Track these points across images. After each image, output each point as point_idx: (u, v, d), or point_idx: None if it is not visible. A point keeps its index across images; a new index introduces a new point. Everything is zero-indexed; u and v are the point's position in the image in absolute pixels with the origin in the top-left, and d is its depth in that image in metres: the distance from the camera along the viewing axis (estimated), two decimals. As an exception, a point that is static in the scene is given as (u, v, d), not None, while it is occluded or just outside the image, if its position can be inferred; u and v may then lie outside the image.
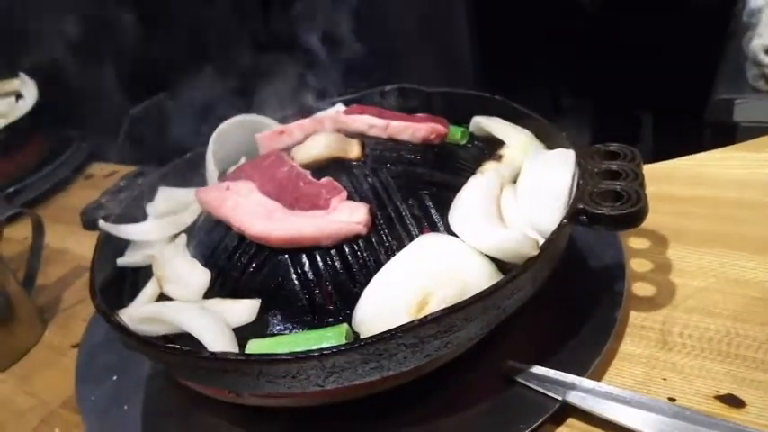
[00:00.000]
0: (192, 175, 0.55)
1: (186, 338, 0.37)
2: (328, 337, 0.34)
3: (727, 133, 1.10)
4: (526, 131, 0.49)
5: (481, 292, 0.33)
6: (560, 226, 0.37)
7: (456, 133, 0.51)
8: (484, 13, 1.33)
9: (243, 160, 0.55)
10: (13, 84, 0.89)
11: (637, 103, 1.41)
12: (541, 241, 0.37)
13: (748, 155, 0.58)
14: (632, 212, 0.37)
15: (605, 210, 0.38)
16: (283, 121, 0.58)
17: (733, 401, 0.36)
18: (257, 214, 0.41)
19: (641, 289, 0.45)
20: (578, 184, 0.40)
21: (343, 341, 0.34)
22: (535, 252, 0.36)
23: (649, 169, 0.58)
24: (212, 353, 0.34)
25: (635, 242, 0.50)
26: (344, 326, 0.36)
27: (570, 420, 0.37)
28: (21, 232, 0.66)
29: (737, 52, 1.12)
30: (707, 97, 1.12)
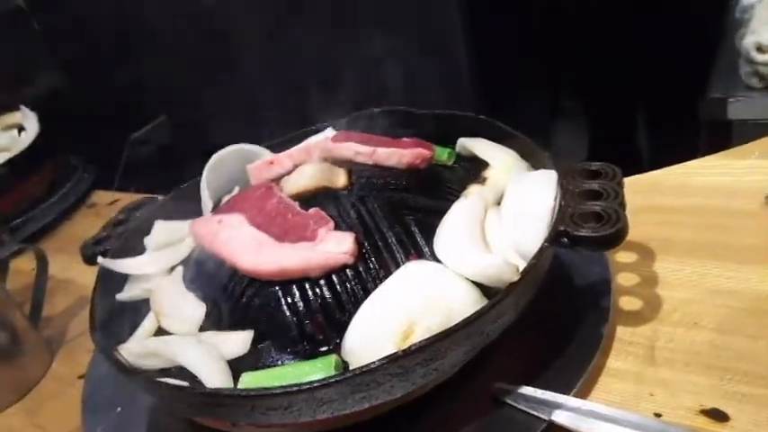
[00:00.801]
0: (188, 205, 0.56)
1: (185, 371, 0.39)
2: (318, 369, 0.36)
3: (721, 132, 1.11)
4: (511, 152, 0.50)
5: (464, 320, 0.34)
6: (541, 249, 0.38)
7: (443, 154, 0.52)
8: (478, 14, 1.34)
9: (236, 189, 0.56)
10: (15, 117, 0.91)
11: (632, 102, 1.41)
12: (524, 265, 0.38)
13: (734, 162, 0.58)
14: (611, 233, 0.38)
15: (586, 231, 0.38)
16: (277, 146, 0.59)
17: (717, 415, 0.37)
18: (247, 247, 0.42)
19: (628, 303, 0.46)
20: (560, 205, 0.41)
21: (333, 372, 0.35)
22: (516, 278, 0.37)
23: (636, 180, 0.59)
24: (206, 389, 0.35)
25: (622, 256, 0.50)
26: (333, 357, 0.37)
27: (558, 440, 0.37)
28: (27, 264, 0.67)
29: (731, 50, 1.12)
30: (701, 96, 1.12)
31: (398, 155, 0.48)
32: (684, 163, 0.61)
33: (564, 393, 0.38)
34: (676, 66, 1.20)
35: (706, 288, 0.46)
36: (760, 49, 1.05)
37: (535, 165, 0.49)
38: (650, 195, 0.57)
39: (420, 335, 0.35)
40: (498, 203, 0.46)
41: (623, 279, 0.48)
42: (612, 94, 1.43)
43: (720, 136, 1.10)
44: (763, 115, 1.05)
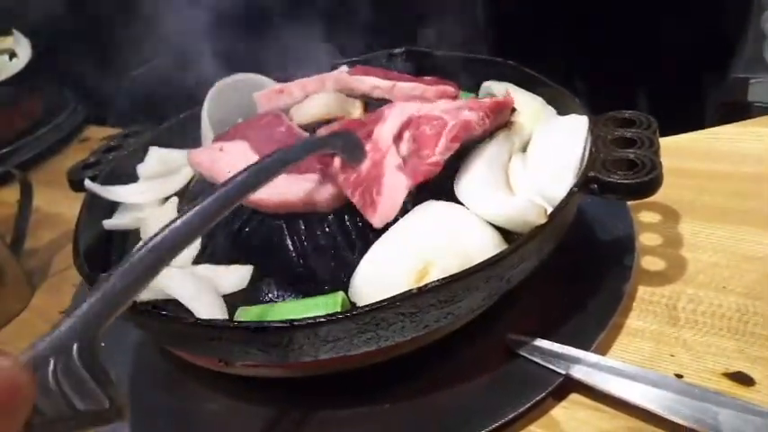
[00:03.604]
0: (186, 136, 0.52)
1: (175, 305, 0.36)
2: (323, 305, 0.33)
3: (739, 113, 1.07)
4: (538, 98, 0.47)
5: (484, 262, 0.32)
6: (570, 194, 0.35)
7: (465, 98, 0.49)
8: None
9: (240, 121, 0.53)
10: (7, 41, 0.86)
11: (650, 81, 1.37)
12: (550, 210, 0.36)
13: (761, 130, 0.56)
14: (645, 181, 0.36)
15: (617, 178, 0.36)
16: (285, 82, 0.55)
17: (742, 379, 0.35)
18: (251, 176, 0.39)
19: (651, 263, 0.44)
20: (590, 151, 0.38)
21: (339, 310, 0.33)
22: (542, 220, 0.34)
23: (662, 142, 0.56)
24: (198, 319, 0.32)
25: (645, 216, 0.48)
26: (340, 294, 0.34)
27: (573, 396, 0.35)
28: (12, 196, 0.64)
29: (756, 31, 1.08)
30: (722, 76, 1.09)
31: (422, 90, 0.44)
32: (710, 129, 0.58)
33: (582, 349, 0.36)
34: (698, 46, 1.16)
35: (735, 252, 0.43)
36: (784, 29, 1.02)
37: (563, 112, 0.45)
38: (675, 158, 0.53)
39: (436, 275, 0.32)
40: (524, 150, 0.43)
41: (646, 239, 0.46)
42: (629, 73, 1.39)
43: (737, 118, 1.07)
44: (784, 99, 1.02)
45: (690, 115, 1.18)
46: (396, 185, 0.35)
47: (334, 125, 0.38)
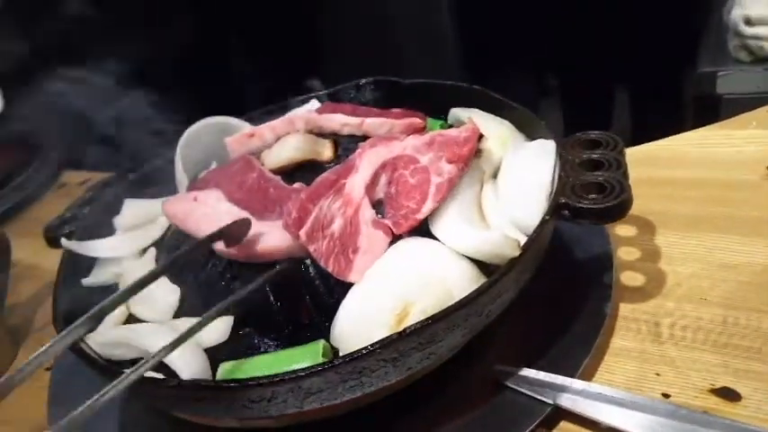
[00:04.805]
0: (162, 182, 0.52)
1: (159, 362, 0.35)
2: (304, 356, 0.33)
3: (709, 106, 1.09)
4: (506, 122, 0.47)
5: (462, 300, 0.32)
6: (542, 222, 0.36)
7: (434, 127, 0.49)
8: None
9: (214, 165, 0.52)
10: (-23, 92, 0.85)
11: (618, 79, 1.39)
12: (523, 239, 0.36)
13: (732, 132, 0.56)
14: (615, 205, 0.36)
15: (588, 203, 0.36)
16: (255, 119, 0.55)
17: (729, 395, 0.35)
18: (226, 226, 0.39)
19: (630, 279, 0.44)
20: (559, 176, 0.39)
21: (320, 359, 0.33)
22: (516, 253, 0.34)
23: (632, 152, 0.56)
24: (180, 381, 0.32)
25: (621, 229, 0.48)
26: (321, 342, 0.34)
27: (563, 424, 0.35)
28: (-10, 250, 0.63)
29: (719, 23, 1.10)
30: (690, 70, 1.11)
31: (389, 125, 0.44)
32: (680, 134, 0.59)
33: (568, 375, 0.36)
34: (664, 41, 1.18)
35: (711, 262, 0.44)
36: (748, 22, 1.03)
37: (531, 136, 0.46)
38: (647, 168, 0.54)
39: (416, 316, 0.32)
40: (494, 176, 0.43)
41: (624, 253, 0.46)
42: (598, 71, 1.41)
43: (708, 111, 1.09)
44: (752, 89, 1.04)
45: (664, 113, 1.20)
46: (374, 240, 0.36)
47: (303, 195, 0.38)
